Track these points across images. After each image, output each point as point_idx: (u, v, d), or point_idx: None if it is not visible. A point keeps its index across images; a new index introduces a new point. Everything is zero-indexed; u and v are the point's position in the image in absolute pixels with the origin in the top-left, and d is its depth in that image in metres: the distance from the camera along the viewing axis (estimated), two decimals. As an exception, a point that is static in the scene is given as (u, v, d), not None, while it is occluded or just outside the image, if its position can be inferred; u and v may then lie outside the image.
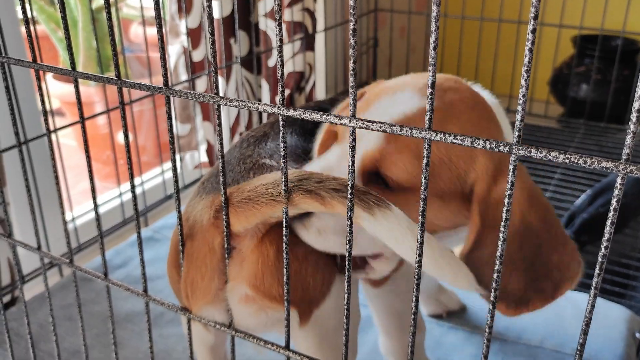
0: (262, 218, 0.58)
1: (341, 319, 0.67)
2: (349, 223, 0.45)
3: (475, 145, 0.37)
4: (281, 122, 0.44)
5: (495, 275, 0.40)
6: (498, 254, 0.39)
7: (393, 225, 0.52)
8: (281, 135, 0.44)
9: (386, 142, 0.60)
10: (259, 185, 0.57)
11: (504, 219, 0.38)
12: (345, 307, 0.47)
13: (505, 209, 0.38)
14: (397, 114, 0.61)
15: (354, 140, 0.42)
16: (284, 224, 0.48)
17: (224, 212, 0.53)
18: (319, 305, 0.65)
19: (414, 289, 0.44)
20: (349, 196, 0.44)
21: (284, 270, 0.49)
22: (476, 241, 0.60)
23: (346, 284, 0.47)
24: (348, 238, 0.45)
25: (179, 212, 0.55)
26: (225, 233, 0.54)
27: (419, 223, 0.41)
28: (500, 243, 0.39)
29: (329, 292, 0.65)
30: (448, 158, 0.60)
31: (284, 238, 0.48)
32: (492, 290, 0.41)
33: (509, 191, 0.37)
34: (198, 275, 0.62)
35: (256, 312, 0.64)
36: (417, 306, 0.44)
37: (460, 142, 0.37)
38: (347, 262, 0.46)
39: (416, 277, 0.44)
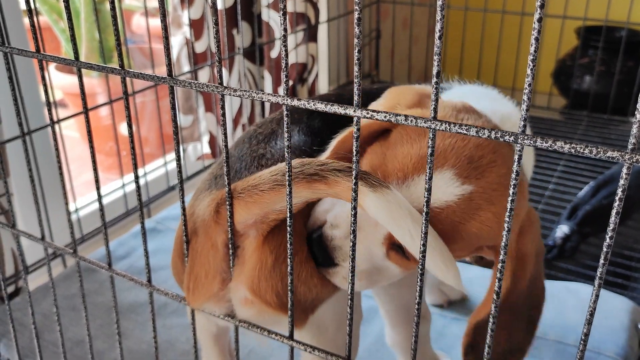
0: (264, 207, 0.57)
1: (340, 320, 0.68)
2: (353, 206, 0.44)
3: (480, 135, 0.37)
4: (285, 112, 0.44)
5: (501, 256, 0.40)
6: (502, 244, 0.39)
7: (393, 206, 0.52)
8: (285, 125, 0.44)
9: None
10: (263, 174, 0.57)
11: (508, 209, 0.38)
12: (349, 298, 0.48)
13: (510, 199, 0.38)
14: (434, 201, 0.58)
15: (358, 130, 0.42)
16: (288, 217, 0.48)
17: (227, 203, 0.53)
18: (314, 311, 0.66)
19: (418, 280, 0.44)
20: (354, 184, 0.44)
21: (288, 261, 0.50)
22: (505, 300, 0.60)
23: (349, 276, 0.47)
24: (352, 229, 0.45)
25: (183, 202, 0.55)
26: (229, 228, 0.54)
27: (423, 213, 0.41)
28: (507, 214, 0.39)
29: (322, 302, 0.66)
30: (476, 236, 0.59)
31: (288, 234, 0.48)
32: (497, 281, 0.41)
33: (513, 181, 0.37)
34: (202, 272, 0.63)
35: (255, 316, 0.65)
36: (420, 296, 0.45)
37: (465, 131, 0.37)
38: (351, 254, 0.46)
39: (420, 267, 0.44)
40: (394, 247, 0.61)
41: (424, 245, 0.43)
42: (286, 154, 0.46)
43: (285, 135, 0.45)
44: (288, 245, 0.49)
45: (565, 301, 1.04)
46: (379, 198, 0.52)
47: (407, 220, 0.53)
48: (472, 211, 0.57)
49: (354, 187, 0.44)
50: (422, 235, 0.42)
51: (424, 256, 0.43)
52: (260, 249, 0.61)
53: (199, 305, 0.62)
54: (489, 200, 0.57)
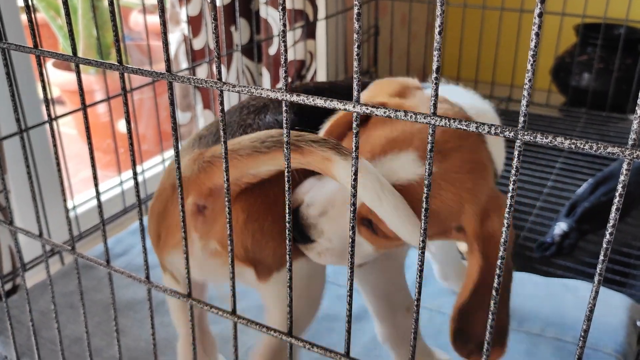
0: (240, 171, 0.62)
1: (304, 288, 0.72)
2: (353, 194, 0.44)
3: (480, 130, 0.37)
4: (284, 108, 0.43)
5: (501, 252, 0.40)
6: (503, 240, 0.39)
7: (362, 171, 0.57)
8: (284, 121, 0.44)
9: None
10: (243, 140, 0.61)
11: (507, 205, 0.38)
12: (348, 294, 0.47)
13: (510, 195, 0.38)
14: (399, 179, 0.63)
15: (357, 126, 0.41)
16: (287, 214, 0.48)
17: (226, 200, 0.53)
18: (279, 270, 0.70)
19: (417, 276, 0.44)
20: (352, 181, 0.43)
21: (287, 258, 0.49)
22: (481, 279, 0.63)
23: (349, 265, 0.46)
24: (352, 201, 0.45)
25: (182, 199, 0.55)
26: (227, 205, 0.54)
27: (423, 209, 0.41)
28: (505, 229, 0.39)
29: (282, 267, 0.70)
30: (437, 213, 0.64)
31: (287, 224, 0.48)
32: (496, 277, 0.41)
33: (513, 177, 0.37)
34: (173, 222, 0.69)
35: (220, 266, 0.70)
36: (419, 292, 0.44)
37: (465, 127, 0.37)
38: (350, 243, 0.46)
39: (419, 264, 0.44)
40: (364, 222, 0.65)
41: (423, 241, 0.43)
42: (285, 150, 0.45)
43: (285, 131, 0.44)
44: (287, 236, 0.49)
45: (563, 298, 1.04)
46: (349, 165, 0.56)
47: (376, 184, 0.57)
48: (432, 190, 0.62)
49: (353, 178, 0.44)
50: (422, 231, 0.42)
51: (422, 252, 0.43)
52: (233, 209, 0.66)
53: (166, 253, 0.65)
54: (450, 182, 0.62)
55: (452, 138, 0.63)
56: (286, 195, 0.47)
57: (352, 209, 0.44)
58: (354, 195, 0.44)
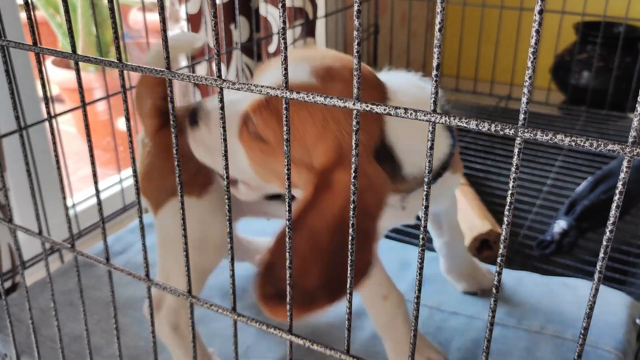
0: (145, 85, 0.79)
1: (177, 237, 0.77)
2: (353, 186, 0.44)
3: (480, 128, 0.37)
4: (284, 105, 0.43)
5: (501, 251, 0.40)
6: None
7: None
8: (284, 119, 0.44)
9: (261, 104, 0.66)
10: None
11: (508, 203, 0.38)
12: (348, 291, 0.47)
13: (510, 191, 0.38)
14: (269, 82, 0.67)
15: (357, 123, 0.41)
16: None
17: (225, 187, 0.53)
18: (162, 206, 0.80)
19: (417, 274, 0.44)
20: (352, 179, 0.43)
21: (287, 255, 0.49)
22: (305, 207, 0.61)
23: (349, 264, 0.46)
24: (352, 199, 0.45)
25: (182, 197, 0.55)
26: (227, 198, 0.54)
27: (423, 206, 0.41)
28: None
29: (164, 204, 0.80)
30: (302, 136, 0.64)
31: (287, 223, 0.48)
32: (496, 274, 0.41)
33: (513, 174, 0.37)
34: None
35: (143, 156, 0.84)
36: (420, 290, 0.44)
37: (465, 124, 0.37)
38: (350, 241, 0.46)
39: (419, 261, 0.44)
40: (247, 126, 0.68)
41: (423, 239, 0.43)
42: (285, 147, 0.45)
43: (285, 128, 0.44)
44: (287, 234, 0.49)
45: (562, 296, 1.04)
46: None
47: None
48: (296, 109, 0.64)
49: (353, 175, 0.43)
50: (422, 228, 0.42)
51: (423, 251, 0.43)
52: (153, 140, 0.83)
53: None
54: (317, 107, 0.64)
55: (293, 111, 0.64)
56: (286, 194, 0.47)
57: (352, 207, 0.44)
58: (354, 193, 0.44)
